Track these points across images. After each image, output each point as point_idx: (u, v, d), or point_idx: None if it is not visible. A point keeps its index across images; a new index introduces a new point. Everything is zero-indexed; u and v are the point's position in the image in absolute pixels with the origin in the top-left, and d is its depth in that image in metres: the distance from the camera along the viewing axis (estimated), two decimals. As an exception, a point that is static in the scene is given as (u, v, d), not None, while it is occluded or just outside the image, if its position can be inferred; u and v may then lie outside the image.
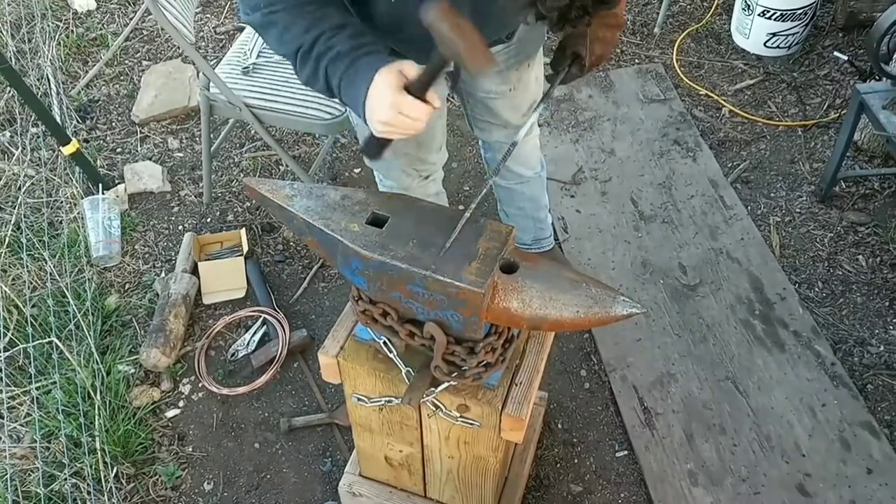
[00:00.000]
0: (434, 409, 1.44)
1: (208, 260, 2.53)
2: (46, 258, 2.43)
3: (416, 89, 1.19)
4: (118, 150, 3.01)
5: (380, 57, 1.23)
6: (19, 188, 2.71)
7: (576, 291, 1.23)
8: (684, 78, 3.19)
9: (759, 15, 3.10)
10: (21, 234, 2.51)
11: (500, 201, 2.33)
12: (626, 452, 2.09)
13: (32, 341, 2.16)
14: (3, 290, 2.31)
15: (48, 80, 3.15)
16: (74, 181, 2.78)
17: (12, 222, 2.56)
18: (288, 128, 2.81)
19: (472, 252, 1.24)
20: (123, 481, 2.05)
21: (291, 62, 1.31)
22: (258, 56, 2.44)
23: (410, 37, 1.43)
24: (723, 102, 3.07)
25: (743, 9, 3.19)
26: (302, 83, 1.33)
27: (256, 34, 2.48)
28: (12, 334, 2.24)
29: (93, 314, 2.36)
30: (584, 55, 1.56)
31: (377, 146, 1.36)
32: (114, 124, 3.11)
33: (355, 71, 1.23)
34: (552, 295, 1.22)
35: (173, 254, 2.60)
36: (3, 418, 2.09)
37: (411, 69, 1.20)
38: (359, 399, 1.53)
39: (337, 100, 1.34)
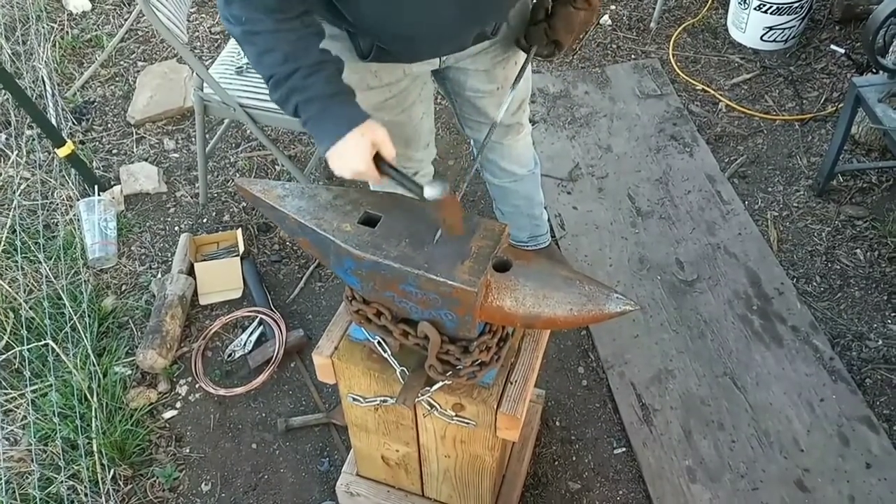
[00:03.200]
0: (429, 408, 1.43)
1: (204, 260, 2.53)
2: (42, 260, 2.43)
3: (383, 169, 1.30)
4: (114, 151, 3.00)
5: (351, 108, 1.31)
6: (14, 190, 2.70)
7: (569, 289, 1.22)
8: (681, 73, 3.18)
9: (755, 9, 3.09)
10: (16, 236, 2.51)
11: (494, 199, 2.32)
12: (624, 449, 2.09)
13: (28, 344, 2.16)
14: (-2, 292, 2.31)
15: (43, 81, 3.14)
16: (70, 183, 2.77)
17: (7, 225, 2.55)
18: (283, 127, 2.80)
19: (465, 251, 1.23)
20: (121, 483, 2.05)
21: (264, 80, 1.34)
22: (252, 55, 2.43)
23: (393, 36, 1.43)
24: (719, 97, 3.07)
25: (739, 3, 3.18)
26: (269, 98, 1.38)
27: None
28: (8, 337, 2.23)
29: (89, 316, 2.36)
30: (565, 44, 1.60)
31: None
32: (109, 125, 3.11)
33: (325, 117, 1.30)
34: (546, 293, 1.22)
35: (169, 255, 2.60)
36: (-1, 421, 2.09)
37: (383, 137, 1.30)
38: (354, 399, 1.53)
39: None
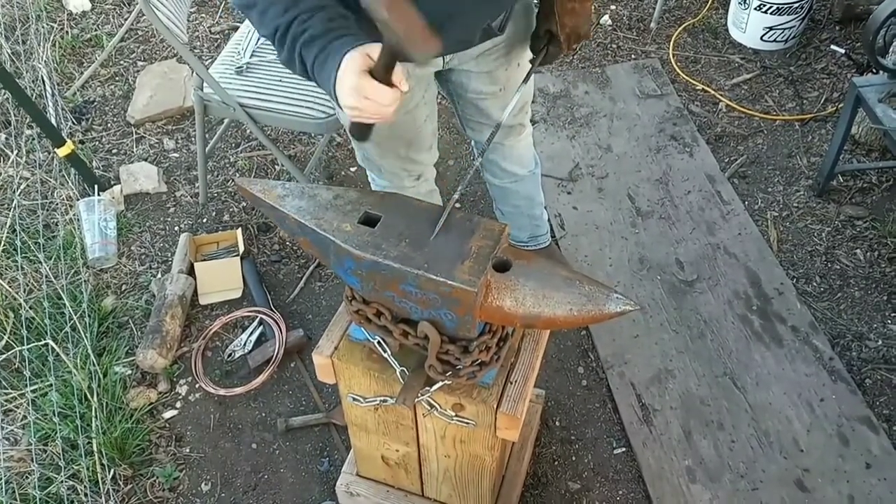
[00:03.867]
0: (429, 408, 1.43)
1: (204, 260, 2.53)
2: (42, 260, 2.43)
3: (379, 73, 1.17)
4: (114, 151, 3.00)
5: (351, 40, 1.22)
6: (14, 190, 2.70)
7: (569, 289, 1.22)
8: (681, 73, 3.18)
9: (755, 9, 3.09)
10: (16, 236, 2.51)
11: (495, 200, 2.32)
12: (623, 449, 2.09)
13: (28, 344, 2.16)
14: (-2, 292, 2.31)
15: (43, 81, 3.14)
16: (70, 183, 2.77)
17: (7, 224, 2.55)
18: (283, 127, 2.80)
19: (464, 251, 1.23)
20: (121, 483, 2.05)
21: (272, 43, 1.30)
22: (252, 56, 2.43)
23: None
24: (719, 97, 3.07)
25: (739, 3, 3.18)
26: (282, 65, 1.32)
27: (250, 35, 2.49)
28: (8, 337, 2.23)
29: (89, 316, 2.36)
30: (556, 31, 1.58)
31: (358, 129, 1.34)
32: (109, 125, 3.11)
33: (327, 54, 1.22)
34: (545, 293, 1.22)
35: (169, 254, 2.60)
36: (-1, 421, 2.10)
37: (373, 49, 1.18)
38: (354, 399, 1.53)
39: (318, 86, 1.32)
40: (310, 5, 1.26)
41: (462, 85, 1.78)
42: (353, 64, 1.18)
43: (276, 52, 1.32)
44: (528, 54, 1.75)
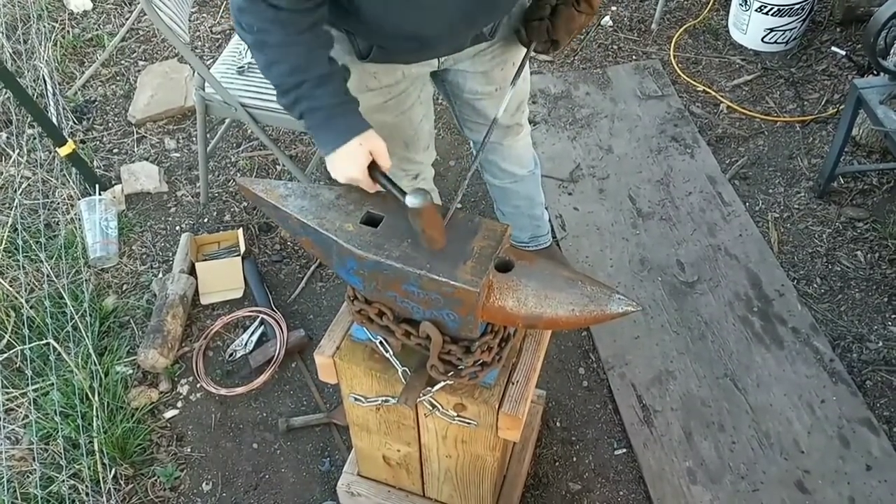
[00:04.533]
0: (431, 408, 1.43)
1: (205, 260, 2.53)
2: (43, 260, 2.43)
3: (375, 177, 1.33)
4: (115, 150, 3.00)
5: (354, 118, 1.36)
6: (16, 190, 2.70)
7: (571, 290, 1.23)
8: (682, 74, 3.18)
9: (756, 10, 3.10)
10: (18, 235, 2.51)
11: (495, 201, 2.32)
12: (624, 450, 2.09)
13: (30, 343, 2.16)
14: (0, 292, 2.30)
15: (44, 81, 3.15)
16: (71, 182, 2.77)
17: (9, 224, 2.55)
18: (284, 127, 2.80)
19: (467, 251, 1.23)
20: (122, 482, 2.05)
21: (272, 84, 1.38)
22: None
23: (394, 33, 1.44)
24: (720, 98, 3.07)
25: (740, 4, 3.18)
26: (276, 101, 1.42)
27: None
28: (10, 336, 2.24)
29: (90, 315, 2.36)
30: (563, 43, 1.62)
31: None
32: (110, 125, 3.11)
33: (329, 126, 1.35)
34: (548, 293, 1.22)
35: (170, 254, 2.60)
36: (0, 420, 2.09)
37: (381, 148, 1.34)
38: (356, 399, 1.53)
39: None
40: (319, 73, 1.33)
41: (458, 85, 1.79)
42: (359, 157, 1.33)
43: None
44: (522, 53, 1.76)
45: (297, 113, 1.36)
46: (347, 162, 1.34)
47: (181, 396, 2.25)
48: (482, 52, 1.69)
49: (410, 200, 1.19)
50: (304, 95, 1.33)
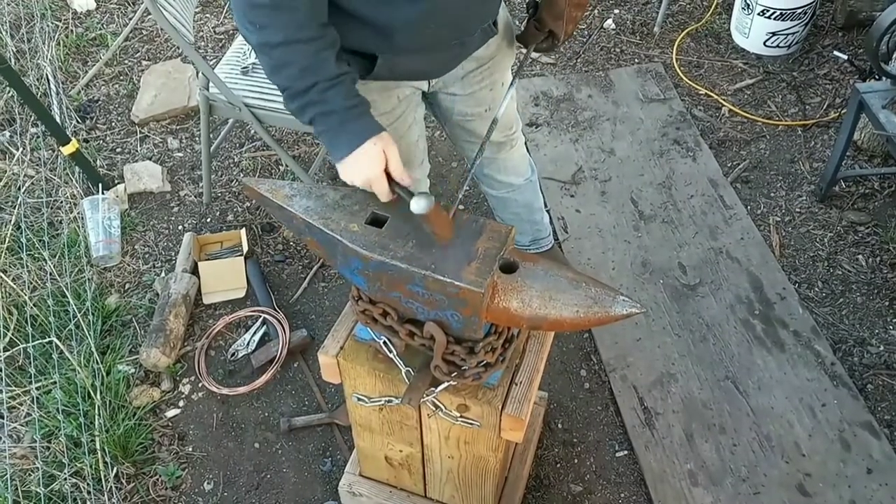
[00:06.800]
0: (434, 408, 1.44)
1: (208, 260, 2.53)
2: (46, 258, 2.43)
3: (391, 179, 1.31)
4: (118, 149, 3.01)
5: (368, 120, 1.33)
6: (19, 188, 2.71)
7: (575, 291, 1.23)
8: (684, 77, 3.19)
9: (758, 14, 3.10)
10: (21, 234, 2.51)
11: (494, 209, 2.32)
12: (626, 452, 2.09)
13: (32, 341, 2.17)
14: (3, 290, 2.31)
15: (48, 80, 3.15)
16: (74, 181, 2.78)
17: (12, 222, 2.56)
18: (287, 127, 2.80)
19: (471, 252, 1.24)
20: (123, 481, 2.05)
21: (279, 89, 1.34)
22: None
23: (389, 33, 1.43)
24: (722, 102, 3.07)
25: (742, 8, 3.19)
26: (284, 107, 1.38)
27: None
28: (12, 334, 2.24)
29: (93, 314, 2.36)
30: (560, 33, 1.63)
31: None
32: (113, 124, 3.11)
33: (343, 129, 1.32)
34: (552, 295, 1.22)
35: (173, 254, 2.60)
36: (3, 418, 2.10)
37: (394, 151, 1.32)
38: (359, 399, 1.53)
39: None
40: (329, 74, 1.29)
41: (448, 109, 1.82)
42: (377, 158, 1.30)
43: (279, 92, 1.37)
44: (510, 76, 1.79)
45: (307, 118, 1.33)
46: (365, 163, 1.30)
47: (183, 396, 2.26)
48: (471, 74, 1.71)
49: (415, 207, 1.20)
50: (314, 100, 1.29)
